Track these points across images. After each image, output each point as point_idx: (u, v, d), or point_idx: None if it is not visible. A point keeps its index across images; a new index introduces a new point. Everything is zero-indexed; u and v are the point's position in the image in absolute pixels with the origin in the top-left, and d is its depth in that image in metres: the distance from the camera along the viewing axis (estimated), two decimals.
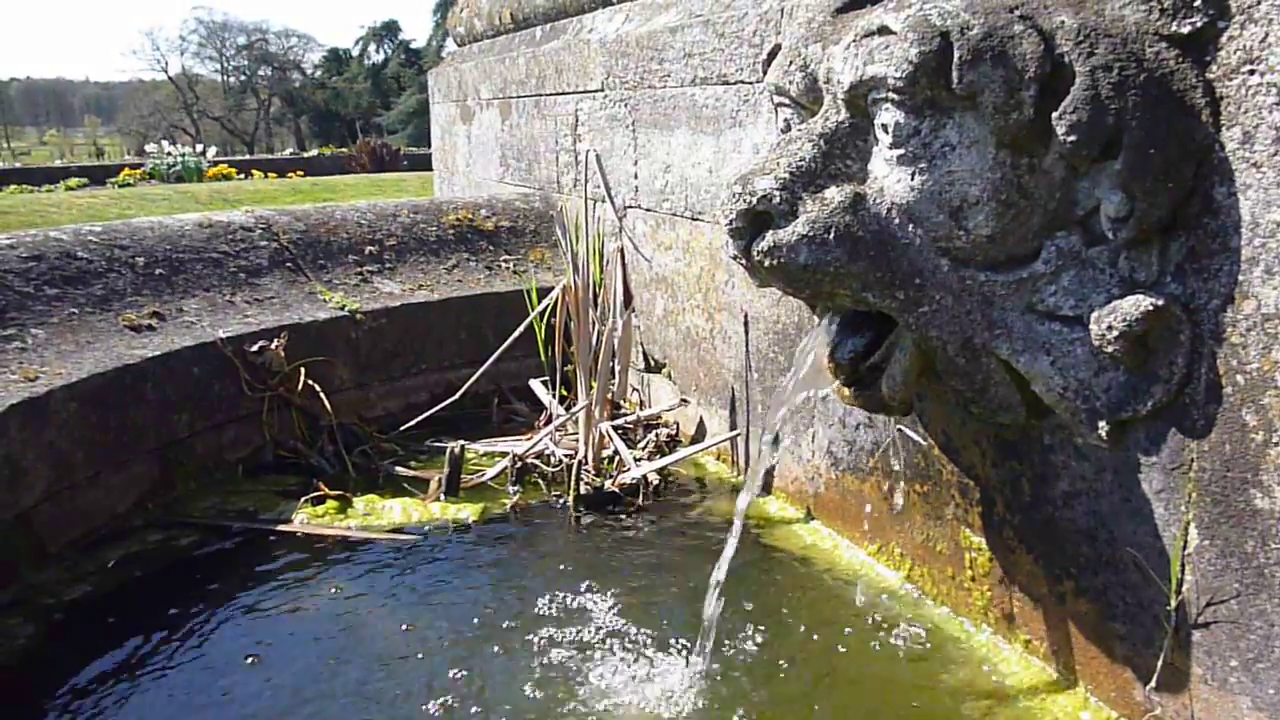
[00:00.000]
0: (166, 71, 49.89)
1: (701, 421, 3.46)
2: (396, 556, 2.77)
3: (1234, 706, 1.68)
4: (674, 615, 2.37)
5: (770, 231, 1.79)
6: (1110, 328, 1.65)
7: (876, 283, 1.79)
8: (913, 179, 1.74)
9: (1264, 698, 1.62)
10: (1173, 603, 1.74)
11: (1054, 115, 1.59)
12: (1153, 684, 1.81)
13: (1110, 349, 1.67)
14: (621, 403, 3.74)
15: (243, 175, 15.49)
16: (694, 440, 3.49)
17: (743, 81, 2.91)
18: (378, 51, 48.18)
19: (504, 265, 4.21)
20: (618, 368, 3.65)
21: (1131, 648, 1.87)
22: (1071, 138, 1.58)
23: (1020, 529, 2.09)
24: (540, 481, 3.26)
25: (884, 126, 1.75)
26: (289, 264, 3.81)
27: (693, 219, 3.30)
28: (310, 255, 3.89)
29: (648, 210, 3.60)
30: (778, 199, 1.78)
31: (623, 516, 3.02)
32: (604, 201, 3.84)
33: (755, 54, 2.81)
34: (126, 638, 2.36)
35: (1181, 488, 1.71)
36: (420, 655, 2.26)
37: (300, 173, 16.21)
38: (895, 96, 1.70)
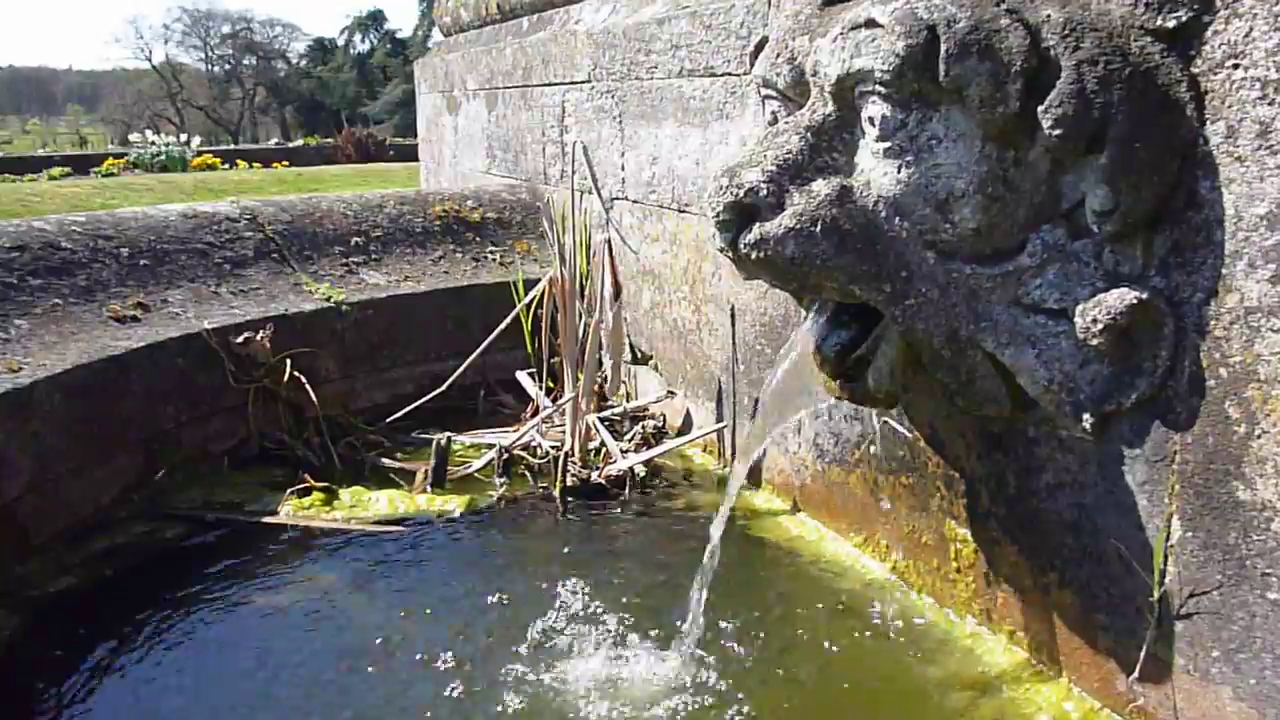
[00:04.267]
0: (150, 60, 49.69)
1: (688, 413, 3.47)
2: (382, 548, 2.77)
3: (1216, 697, 1.69)
4: (659, 605, 2.37)
5: (757, 224, 1.79)
6: (1095, 320, 1.66)
7: (863, 275, 1.79)
8: (899, 172, 1.74)
9: (1245, 688, 1.64)
10: (1155, 594, 1.76)
11: (1040, 109, 1.59)
12: (1135, 674, 1.83)
13: (1095, 342, 1.67)
14: (608, 395, 3.74)
15: (227, 165, 15.37)
16: (681, 432, 3.49)
17: (730, 74, 2.91)
18: (363, 41, 48.05)
19: (490, 257, 4.20)
20: (608, 360, 3.65)
21: (1115, 639, 1.88)
22: (1057, 131, 1.59)
23: (1005, 521, 2.10)
24: (527, 473, 3.26)
25: (870, 119, 1.76)
26: (274, 255, 3.80)
27: (680, 211, 3.30)
28: (296, 246, 3.88)
29: (635, 202, 3.60)
30: (764, 192, 1.78)
31: (609, 508, 3.03)
32: (591, 193, 3.83)
33: (742, 46, 2.81)
34: (111, 630, 2.35)
35: (1165, 480, 1.72)
36: (404, 647, 2.26)
37: (285, 163, 16.10)
38: (882, 90, 1.71)
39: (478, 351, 3.64)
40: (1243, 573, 1.61)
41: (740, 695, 2.04)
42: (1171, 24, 1.56)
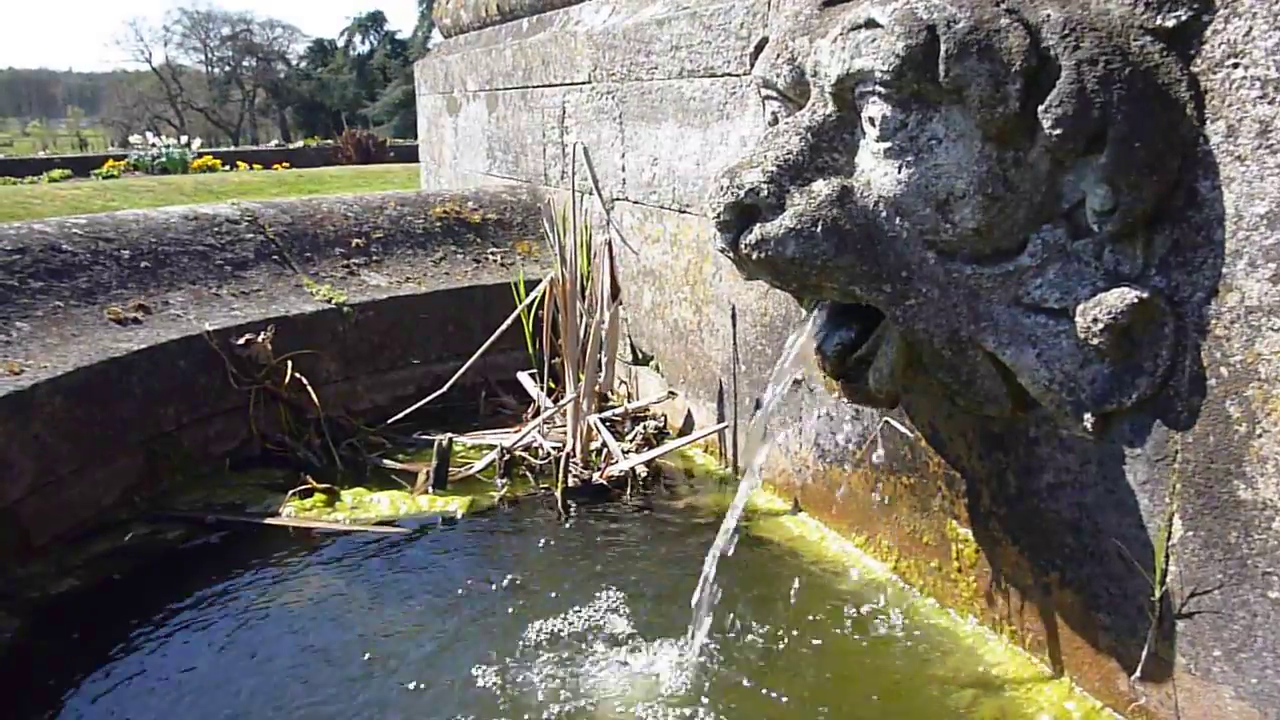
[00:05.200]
0: (150, 62, 49.71)
1: (689, 414, 3.47)
2: (384, 549, 2.77)
3: (1217, 696, 1.69)
4: (661, 606, 2.38)
5: (758, 224, 1.80)
6: (1095, 320, 1.66)
7: (863, 276, 1.79)
8: (899, 172, 1.74)
9: (1246, 687, 1.64)
10: (1157, 593, 1.76)
11: (1040, 109, 1.59)
12: (1137, 674, 1.83)
13: (1095, 341, 1.68)
14: (610, 395, 3.74)
15: (228, 167, 15.40)
16: (682, 433, 3.49)
17: (730, 74, 2.91)
18: (363, 43, 48.07)
19: (491, 258, 4.20)
20: (605, 360, 3.65)
21: (1116, 638, 1.88)
22: (1057, 131, 1.59)
23: (1006, 520, 2.10)
24: (528, 474, 3.26)
25: (871, 120, 1.76)
26: (275, 257, 3.80)
27: (680, 211, 3.30)
28: (297, 248, 3.88)
29: (635, 203, 3.60)
30: (765, 192, 1.79)
31: (610, 509, 3.02)
32: (591, 194, 3.83)
33: (742, 47, 2.81)
34: (113, 632, 2.35)
35: (1166, 479, 1.72)
36: (406, 648, 2.26)
37: (286, 165, 16.13)
38: (882, 90, 1.71)
39: (479, 352, 3.64)
40: (1244, 572, 1.61)
41: (740, 695, 2.05)
42: (1171, 23, 1.56)
